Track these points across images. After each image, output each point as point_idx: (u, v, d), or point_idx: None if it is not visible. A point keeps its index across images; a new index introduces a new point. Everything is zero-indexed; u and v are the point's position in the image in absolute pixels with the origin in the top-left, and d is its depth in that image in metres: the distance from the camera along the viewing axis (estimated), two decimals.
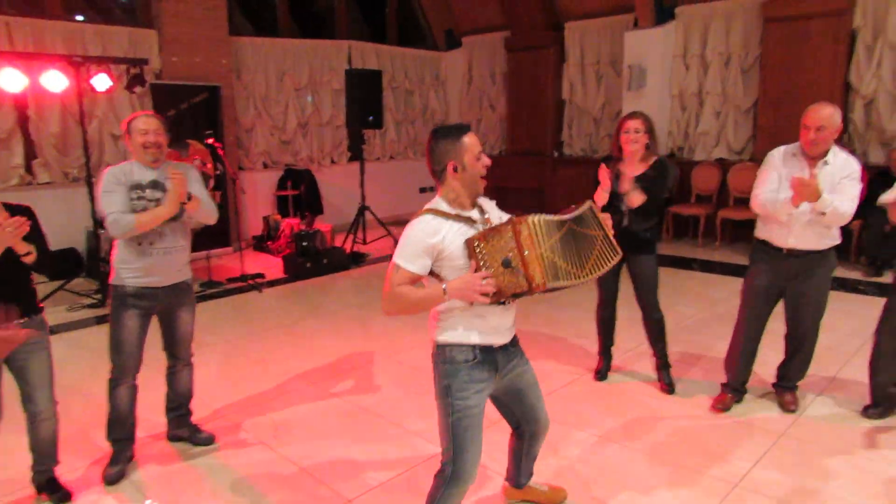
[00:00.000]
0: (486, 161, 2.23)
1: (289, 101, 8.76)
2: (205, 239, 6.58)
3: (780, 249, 3.38)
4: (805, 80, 7.10)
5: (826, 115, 3.17)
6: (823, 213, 3.14)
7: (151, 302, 3.08)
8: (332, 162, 9.31)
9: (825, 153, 3.25)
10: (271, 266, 7.20)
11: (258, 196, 8.40)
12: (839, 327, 4.83)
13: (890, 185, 3.38)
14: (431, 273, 2.16)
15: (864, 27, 6.85)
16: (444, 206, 2.19)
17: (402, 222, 9.65)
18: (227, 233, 7.63)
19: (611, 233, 2.32)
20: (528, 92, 9.64)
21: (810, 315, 3.47)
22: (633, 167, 3.63)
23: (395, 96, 9.87)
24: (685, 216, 8.12)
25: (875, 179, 6.67)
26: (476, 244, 2.07)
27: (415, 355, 4.63)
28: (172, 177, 2.96)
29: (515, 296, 2.07)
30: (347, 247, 7.58)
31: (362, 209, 7.84)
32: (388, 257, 7.79)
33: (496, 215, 2.31)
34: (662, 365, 3.96)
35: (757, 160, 7.69)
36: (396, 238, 7.91)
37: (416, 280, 2.13)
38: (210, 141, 6.35)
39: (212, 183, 6.93)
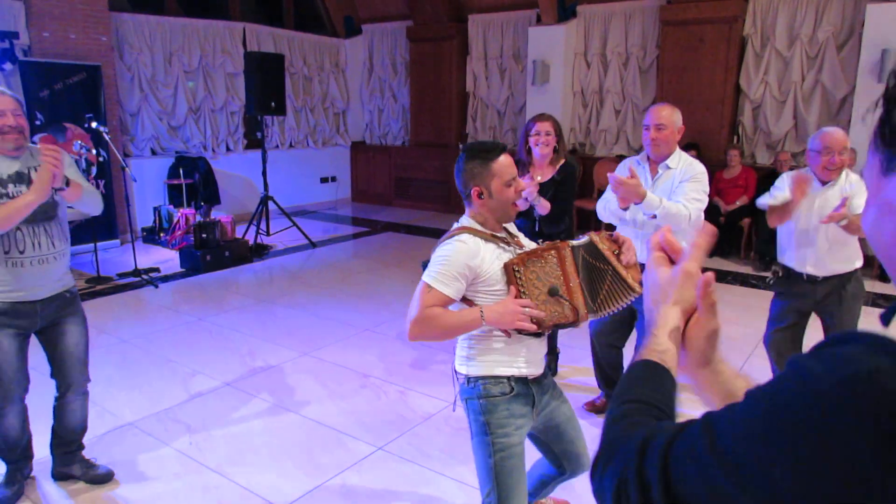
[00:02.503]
0: (520, 185, 2.03)
1: (178, 83, 8.15)
2: (88, 231, 5.99)
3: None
4: (699, 83, 7.49)
5: (666, 114, 3.14)
6: (654, 216, 2.97)
7: (28, 319, 2.57)
8: (228, 149, 8.78)
9: (667, 156, 3.18)
10: (166, 259, 6.67)
11: (147, 185, 7.76)
12: (740, 321, 5.14)
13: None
14: (463, 298, 1.99)
15: (754, 34, 7.32)
16: (479, 227, 2.03)
17: (304, 213, 9.35)
18: (114, 224, 6.99)
19: (620, 269, 2.06)
20: (432, 83, 9.56)
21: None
22: (542, 170, 3.58)
23: (293, 83, 9.46)
24: (588, 211, 8.37)
25: (763, 180, 7.18)
26: (515, 269, 1.93)
27: (333, 352, 4.43)
28: (44, 154, 2.43)
29: (557, 326, 1.97)
30: (250, 238, 7.17)
31: (265, 199, 7.44)
32: (295, 249, 7.59)
33: (523, 237, 2.18)
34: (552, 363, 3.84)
35: None
36: (301, 229, 7.59)
37: (447, 304, 1.94)
38: (92, 125, 5.75)
39: (94, 170, 6.30)
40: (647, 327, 0.90)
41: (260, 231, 7.36)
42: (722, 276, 6.30)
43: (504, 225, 2.11)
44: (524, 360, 2.03)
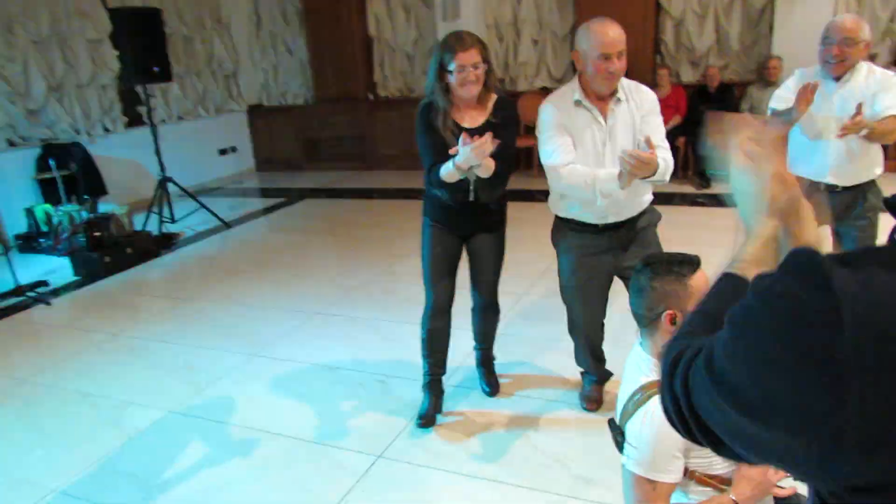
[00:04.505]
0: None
1: (28, 58, 6.85)
2: None
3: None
4: (619, 3, 7.07)
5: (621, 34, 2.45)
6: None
7: None
8: (106, 130, 7.58)
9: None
10: (54, 269, 5.63)
11: (10, 184, 6.53)
12: (696, 239, 4.86)
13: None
14: None
15: None
16: None
17: (206, 191, 8.33)
18: None
19: None
20: (331, 31, 8.66)
21: None
22: (469, 114, 2.59)
23: (171, 45, 8.27)
24: (518, 148, 7.89)
25: (693, 96, 6.97)
26: None
27: (286, 347, 3.76)
28: None
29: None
30: (152, 229, 6.20)
31: (163, 181, 6.45)
32: (207, 233, 6.68)
33: None
34: (487, 361, 3.17)
35: None
36: (210, 210, 6.68)
37: (671, 490, 1.59)
38: None
39: None
40: (746, 234, 0.90)
41: (163, 219, 6.39)
42: (668, 199, 6.04)
43: None
44: None
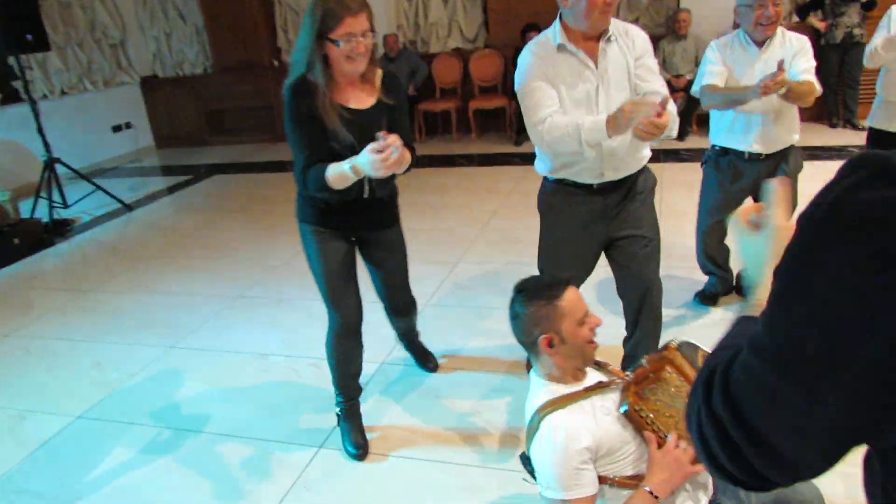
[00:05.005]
0: (595, 321, 1.67)
1: None
2: None
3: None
4: None
5: None
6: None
7: None
8: None
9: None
10: None
11: None
12: None
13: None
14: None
15: None
16: (561, 388, 1.64)
17: (102, 171, 7.68)
18: None
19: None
20: None
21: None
22: (356, 97, 2.16)
23: (46, 11, 7.46)
24: (435, 112, 7.70)
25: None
26: (639, 411, 1.59)
27: (207, 335, 3.48)
28: None
29: None
30: (42, 216, 5.63)
31: (50, 163, 5.84)
32: (106, 217, 6.12)
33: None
34: (414, 343, 2.97)
35: (493, 46, 7.53)
36: (108, 192, 6.14)
37: (591, 502, 1.55)
38: None
39: None
40: (751, 284, 0.90)
41: (54, 204, 5.81)
42: None
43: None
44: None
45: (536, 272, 2.50)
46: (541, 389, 1.67)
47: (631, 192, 2.34)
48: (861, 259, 0.51)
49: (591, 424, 1.58)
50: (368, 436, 2.52)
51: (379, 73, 2.20)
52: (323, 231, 2.29)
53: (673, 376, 1.61)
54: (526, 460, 1.67)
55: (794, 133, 2.92)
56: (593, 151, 2.10)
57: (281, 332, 3.46)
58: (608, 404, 1.63)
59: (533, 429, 1.62)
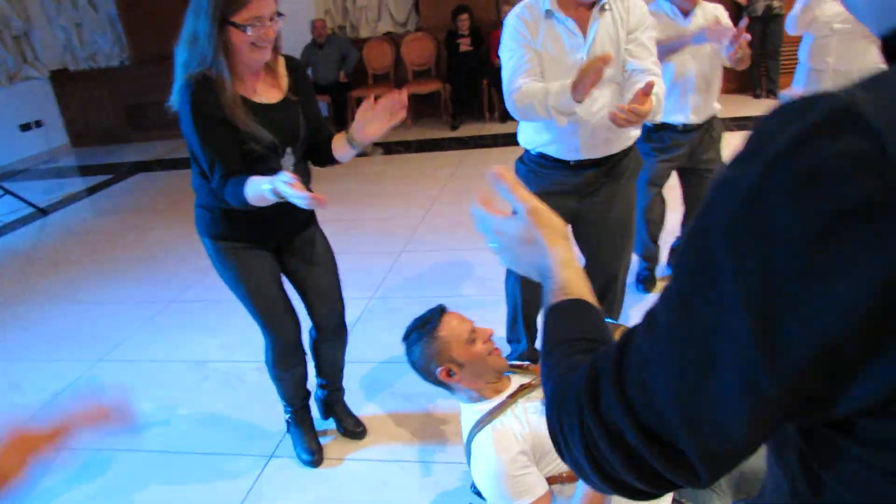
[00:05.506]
0: (485, 333, 1.70)
1: None
2: None
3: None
4: None
5: None
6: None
7: None
8: None
9: None
10: None
11: None
12: None
13: None
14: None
15: None
16: (486, 405, 1.66)
17: (11, 174, 7.15)
18: None
19: None
20: None
21: None
22: (261, 89, 1.92)
23: None
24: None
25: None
26: None
27: (139, 344, 3.24)
28: None
29: None
30: None
31: None
32: (18, 223, 5.65)
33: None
34: (337, 401, 2.48)
35: (425, 29, 7.38)
36: (18, 196, 5.72)
37: (548, 501, 1.55)
38: None
39: None
40: (540, 277, 0.79)
41: None
42: (507, 141, 6.02)
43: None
44: None
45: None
46: (469, 415, 1.68)
47: (611, 173, 2.22)
48: (808, 219, 0.42)
49: (521, 429, 1.58)
50: (322, 440, 2.38)
51: (281, 60, 1.98)
52: (239, 247, 2.03)
53: None
54: (475, 489, 1.68)
55: (717, 102, 2.94)
56: (564, 119, 1.98)
57: (219, 336, 3.26)
58: (535, 403, 1.65)
59: (470, 454, 1.63)
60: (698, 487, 0.56)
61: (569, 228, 2.33)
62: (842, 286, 0.41)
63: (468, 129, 6.80)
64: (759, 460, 1.73)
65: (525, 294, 2.49)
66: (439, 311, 1.72)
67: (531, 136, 2.24)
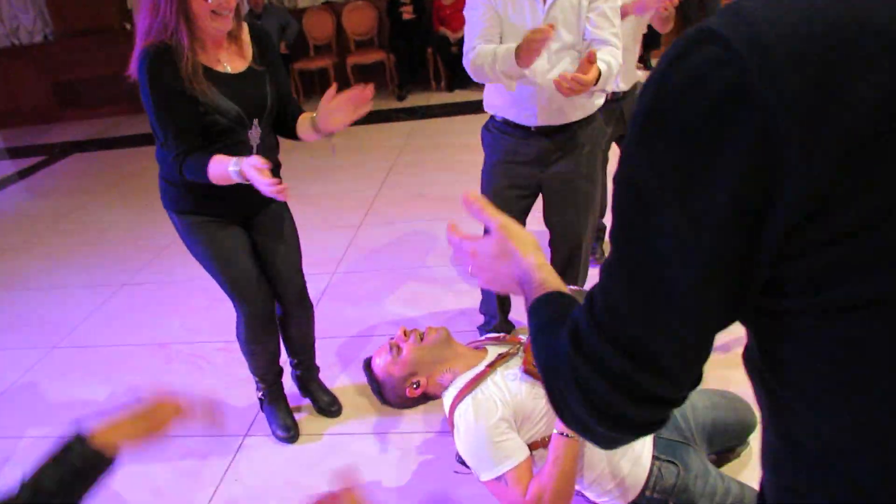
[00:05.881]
0: (399, 334, 1.78)
1: None
2: None
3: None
4: None
5: None
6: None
7: None
8: None
9: None
10: None
11: None
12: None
13: None
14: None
15: None
16: (463, 378, 1.69)
17: None
18: None
19: None
20: None
21: None
22: (225, 58, 1.88)
23: None
24: (311, 71, 7.33)
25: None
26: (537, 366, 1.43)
27: (93, 330, 3.16)
28: None
29: None
30: None
31: None
32: None
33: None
34: (310, 378, 2.48)
35: None
36: None
37: (528, 468, 1.55)
38: None
39: None
40: (519, 286, 0.83)
41: None
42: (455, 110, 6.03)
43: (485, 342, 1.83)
44: None
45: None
46: (450, 394, 1.70)
47: (571, 143, 2.23)
48: (692, 113, 0.51)
49: (502, 395, 1.60)
50: (297, 416, 2.39)
51: (246, 28, 1.93)
52: (207, 220, 2.00)
53: None
54: (460, 459, 1.70)
55: (638, 69, 2.90)
56: (513, 84, 2.01)
57: (179, 317, 3.20)
58: (514, 370, 1.67)
59: (454, 426, 1.64)
60: (677, 397, 0.61)
61: (539, 201, 2.41)
62: (729, 153, 0.50)
63: (416, 100, 6.75)
64: (729, 413, 1.83)
65: None
66: (365, 368, 1.84)
67: (493, 100, 2.26)
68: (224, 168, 1.71)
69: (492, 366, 1.68)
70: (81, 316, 3.31)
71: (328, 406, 2.43)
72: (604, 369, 0.60)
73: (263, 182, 1.63)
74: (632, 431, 0.64)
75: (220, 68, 1.85)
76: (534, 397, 1.61)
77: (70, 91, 7.81)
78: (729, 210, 0.51)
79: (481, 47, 2.03)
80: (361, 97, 1.85)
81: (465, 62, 2.10)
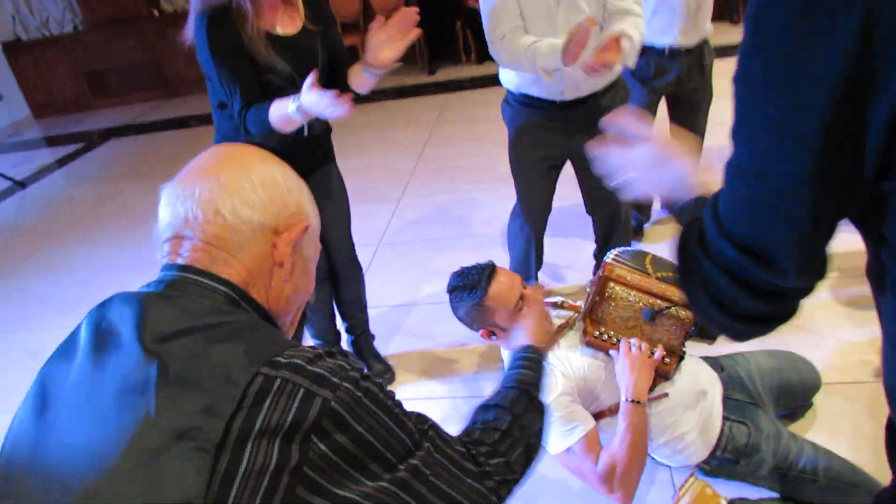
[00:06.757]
0: (535, 297, 1.51)
1: None
2: None
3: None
4: None
5: None
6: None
7: None
8: None
9: None
10: None
11: None
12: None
13: None
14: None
15: None
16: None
17: None
18: None
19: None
20: None
21: None
22: (281, 21, 1.87)
23: None
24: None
25: None
26: (599, 336, 1.60)
27: None
28: None
29: (689, 335, 1.58)
30: None
31: None
32: None
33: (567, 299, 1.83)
34: (366, 344, 2.52)
35: None
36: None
37: (596, 438, 1.55)
38: None
39: None
40: (680, 187, 0.86)
41: None
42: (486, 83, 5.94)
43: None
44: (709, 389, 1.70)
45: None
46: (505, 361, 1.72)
47: (597, 108, 2.18)
48: (801, 5, 0.52)
49: (564, 368, 1.58)
50: None
51: None
52: None
53: (617, 290, 1.60)
54: None
55: (709, 22, 2.69)
56: (552, 77, 2.00)
57: None
58: (573, 341, 1.65)
59: None
60: (799, 289, 0.63)
61: (568, 165, 2.39)
62: (835, 37, 0.50)
63: (446, 73, 6.69)
64: (793, 374, 1.80)
65: (535, 228, 2.49)
66: (487, 276, 1.61)
67: (513, 77, 2.22)
68: (284, 110, 1.72)
69: (551, 341, 1.64)
70: None
71: (382, 374, 2.46)
72: (724, 265, 0.63)
73: (326, 99, 1.62)
74: (760, 325, 0.67)
75: (274, 30, 1.85)
76: (596, 369, 1.61)
77: (101, 79, 7.91)
78: (836, 94, 0.52)
79: (513, 38, 1.99)
80: (407, 19, 1.80)
81: (493, 51, 2.07)
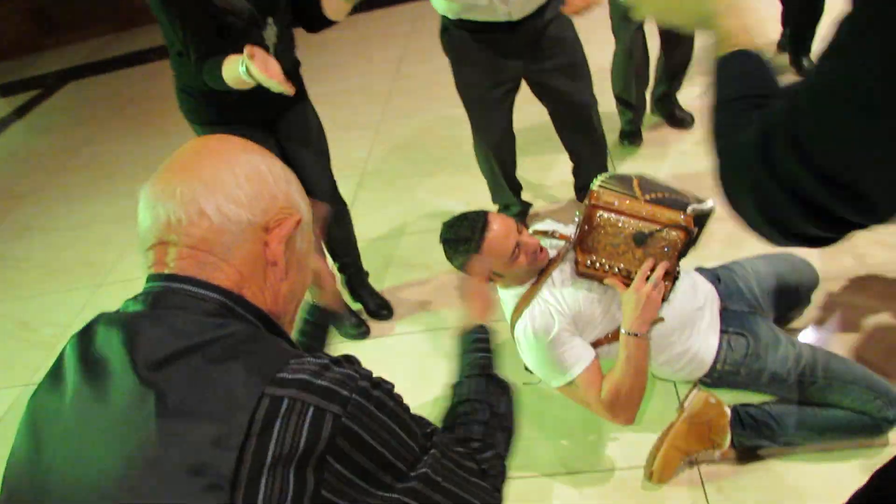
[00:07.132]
0: (530, 245, 1.57)
1: None
2: None
3: None
4: None
5: None
6: None
7: None
8: None
9: None
10: None
11: None
12: None
13: None
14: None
15: None
16: (521, 290, 1.64)
17: None
18: None
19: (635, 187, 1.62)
20: None
21: None
22: None
23: None
24: None
25: None
26: (592, 265, 1.56)
27: (137, 269, 3.13)
28: None
29: (682, 255, 1.52)
30: None
31: None
32: None
33: (557, 226, 1.80)
34: (360, 281, 2.47)
35: None
36: None
37: (597, 369, 1.56)
38: None
39: None
40: (702, 25, 0.76)
41: None
42: None
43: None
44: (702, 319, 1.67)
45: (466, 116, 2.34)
46: (507, 298, 1.67)
47: (542, 20, 2.07)
48: None
49: (558, 306, 1.57)
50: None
51: None
52: (231, 129, 1.87)
53: (605, 216, 1.55)
54: (527, 369, 1.68)
55: None
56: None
57: None
58: (566, 274, 1.62)
59: (515, 340, 1.63)
60: (874, 223, 0.58)
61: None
62: None
63: None
64: (792, 274, 1.76)
65: (499, 156, 2.44)
66: (480, 228, 1.56)
67: (447, 2, 2.03)
68: (235, 70, 1.58)
69: (545, 273, 1.64)
70: (117, 251, 3.29)
71: (378, 309, 2.44)
72: (795, 191, 0.58)
73: (267, 80, 1.51)
74: (808, 244, 0.63)
75: None
76: (591, 302, 1.59)
77: (49, 16, 7.43)
78: None
79: None
80: None
81: None
